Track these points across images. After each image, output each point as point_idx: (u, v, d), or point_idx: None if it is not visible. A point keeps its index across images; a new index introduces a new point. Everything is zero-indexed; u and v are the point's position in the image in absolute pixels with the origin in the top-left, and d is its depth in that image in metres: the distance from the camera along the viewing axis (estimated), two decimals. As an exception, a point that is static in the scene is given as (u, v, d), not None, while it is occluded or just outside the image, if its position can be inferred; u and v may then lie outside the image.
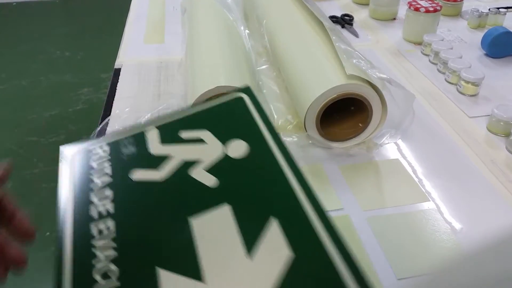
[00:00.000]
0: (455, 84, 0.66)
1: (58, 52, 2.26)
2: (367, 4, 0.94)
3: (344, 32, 0.85)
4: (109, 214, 0.28)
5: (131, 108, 0.61)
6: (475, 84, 0.63)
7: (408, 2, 0.80)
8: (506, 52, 0.74)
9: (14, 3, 2.92)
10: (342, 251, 0.24)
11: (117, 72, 0.71)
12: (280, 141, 0.32)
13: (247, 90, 0.37)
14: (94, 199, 0.30)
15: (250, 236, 0.26)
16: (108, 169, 0.32)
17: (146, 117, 0.57)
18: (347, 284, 0.23)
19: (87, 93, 1.87)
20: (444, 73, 0.69)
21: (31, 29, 2.55)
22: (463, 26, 0.88)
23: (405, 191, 0.48)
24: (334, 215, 0.45)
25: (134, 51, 0.78)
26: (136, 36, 0.84)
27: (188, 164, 0.31)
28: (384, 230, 0.43)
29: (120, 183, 0.31)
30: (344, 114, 0.54)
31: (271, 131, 0.33)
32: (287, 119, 0.57)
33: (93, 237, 0.27)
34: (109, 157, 0.33)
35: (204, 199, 0.29)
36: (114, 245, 0.27)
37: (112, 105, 0.62)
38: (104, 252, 0.26)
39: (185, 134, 0.34)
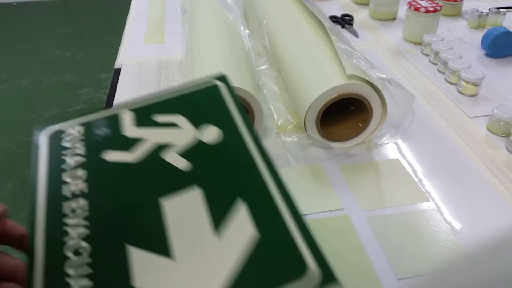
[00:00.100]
0: (455, 84, 0.66)
1: (58, 52, 2.26)
2: (367, 4, 0.94)
3: (344, 32, 0.85)
4: (82, 194, 0.29)
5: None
6: (475, 84, 0.63)
7: (408, 2, 0.80)
8: (506, 52, 0.74)
9: (14, 3, 2.92)
10: (303, 231, 0.26)
11: (117, 72, 0.71)
12: (251, 128, 0.33)
13: (222, 78, 0.38)
14: (67, 178, 0.30)
15: (219, 217, 0.27)
16: (81, 150, 0.33)
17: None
18: (306, 261, 0.25)
19: (87, 93, 1.87)
20: (444, 73, 0.69)
21: (31, 29, 2.55)
22: (463, 26, 0.88)
23: (405, 191, 0.48)
24: (334, 215, 0.45)
25: (134, 51, 0.78)
26: (136, 36, 0.84)
27: (161, 147, 0.32)
28: (384, 230, 0.43)
29: (93, 163, 0.32)
30: (344, 114, 0.54)
31: (244, 118, 0.34)
32: (287, 119, 0.57)
33: (65, 215, 0.28)
34: (82, 138, 0.34)
35: (176, 181, 0.30)
36: (86, 223, 0.28)
37: (112, 105, 0.62)
38: (76, 230, 0.27)
39: (159, 118, 0.35)
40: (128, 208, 0.29)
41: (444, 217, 0.44)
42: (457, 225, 0.43)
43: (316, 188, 0.48)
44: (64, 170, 0.31)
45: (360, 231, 0.43)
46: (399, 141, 0.55)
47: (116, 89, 0.66)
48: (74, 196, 0.29)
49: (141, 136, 0.33)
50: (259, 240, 0.26)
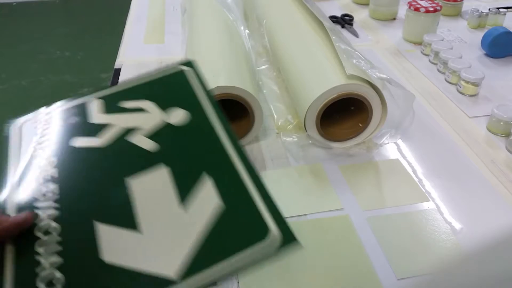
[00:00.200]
0: (455, 84, 0.66)
1: (58, 52, 2.26)
2: (367, 4, 0.94)
3: (344, 32, 0.85)
4: (52, 179, 0.31)
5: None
6: (475, 84, 0.63)
7: (408, 2, 0.80)
8: (506, 52, 0.74)
9: (14, 3, 2.92)
10: (266, 200, 0.28)
11: (117, 72, 0.71)
12: (217, 108, 0.34)
13: (189, 63, 0.39)
14: (38, 165, 0.32)
15: (185, 191, 0.29)
16: (50, 138, 0.34)
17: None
18: (268, 226, 0.26)
19: (87, 93, 1.86)
20: (444, 73, 0.69)
21: (31, 29, 2.55)
22: (463, 26, 0.88)
23: (405, 191, 0.48)
24: (334, 215, 0.45)
25: (134, 51, 0.78)
26: (136, 36, 0.84)
27: (128, 131, 0.34)
28: (384, 230, 0.43)
29: (61, 150, 0.33)
30: (344, 114, 0.54)
31: (211, 100, 0.35)
32: (287, 119, 0.57)
33: (36, 199, 0.30)
34: (51, 126, 0.35)
35: (142, 162, 0.31)
36: (57, 205, 0.29)
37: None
38: (46, 212, 0.29)
39: (126, 104, 0.36)
40: (96, 189, 0.30)
41: (444, 217, 0.44)
42: (457, 225, 0.43)
43: (316, 188, 0.48)
44: (35, 157, 0.33)
45: (360, 231, 0.43)
46: (399, 141, 0.55)
47: (116, 89, 0.66)
48: (45, 181, 0.31)
49: (109, 122, 0.35)
50: (224, 210, 0.27)
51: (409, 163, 0.52)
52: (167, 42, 0.81)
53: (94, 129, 0.34)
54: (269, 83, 0.66)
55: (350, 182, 0.49)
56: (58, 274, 0.26)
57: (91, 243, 0.27)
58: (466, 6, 0.93)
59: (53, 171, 0.32)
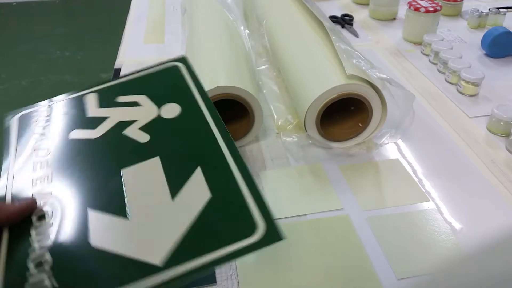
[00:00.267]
0: (455, 84, 0.66)
1: (58, 52, 2.26)
2: (367, 4, 0.94)
3: (344, 32, 0.85)
4: (47, 165, 0.32)
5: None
6: (475, 84, 0.63)
7: (408, 2, 0.80)
8: (506, 52, 0.74)
9: (14, 3, 2.92)
10: (255, 194, 0.28)
11: (117, 72, 0.71)
12: (209, 102, 0.35)
13: (182, 60, 0.41)
14: (34, 156, 0.34)
15: (175, 181, 0.29)
16: (47, 130, 0.36)
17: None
18: (256, 221, 0.27)
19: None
20: (444, 73, 0.69)
21: (31, 29, 2.55)
22: (463, 26, 0.88)
23: (405, 191, 0.48)
24: (334, 215, 0.45)
25: (134, 51, 0.78)
26: (136, 36, 0.84)
27: (123, 124, 0.35)
28: (384, 230, 0.43)
29: (58, 141, 0.34)
30: (344, 114, 0.54)
31: (203, 95, 0.36)
32: (287, 119, 0.57)
33: (33, 186, 0.31)
34: (49, 118, 0.37)
35: (136, 153, 0.32)
36: (50, 191, 0.31)
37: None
38: (41, 198, 0.30)
39: (122, 99, 0.37)
40: (89, 177, 0.31)
41: (444, 217, 0.44)
42: (457, 225, 0.43)
43: (316, 188, 0.48)
44: (33, 150, 0.34)
45: (360, 231, 0.43)
46: (399, 141, 0.55)
47: (116, 89, 0.66)
48: (41, 169, 0.32)
49: (104, 115, 0.36)
50: (213, 202, 0.28)
51: (409, 163, 0.52)
52: (167, 42, 0.81)
53: (90, 122, 0.36)
54: (269, 83, 0.66)
55: (350, 182, 0.49)
56: (47, 256, 0.27)
57: (81, 228, 0.28)
58: (466, 6, 0.93)
59: (49, 161, 0.33)
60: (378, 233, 0.42)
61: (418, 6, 0.78)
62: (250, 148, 0.54)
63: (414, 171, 0.50)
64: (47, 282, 0.25)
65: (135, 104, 0.37)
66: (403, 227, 0.43)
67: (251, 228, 0.26)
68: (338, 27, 0.87)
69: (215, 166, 0.30)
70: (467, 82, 0.63)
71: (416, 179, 0.49)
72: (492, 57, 0.75)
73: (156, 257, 0.26)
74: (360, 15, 0.93)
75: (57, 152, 0.34)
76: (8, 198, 0.31)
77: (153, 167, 0.31)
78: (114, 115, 0.36)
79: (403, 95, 0.51)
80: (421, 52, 0.77)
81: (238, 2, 0.73)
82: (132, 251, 0.26)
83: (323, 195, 0.47)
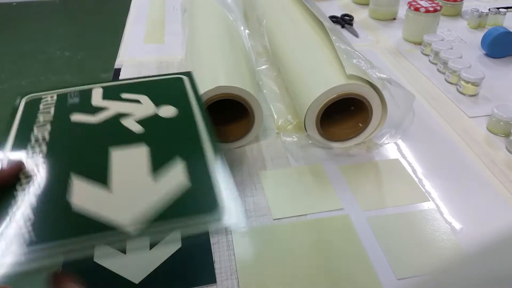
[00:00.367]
0: (455, 84, 0.66)
1: (58, 52, 2.26)
2: (367, 4, 0.94)
3: (344, 32, 0.85)
4: (43, 140, 0.36)
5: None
6: (475, 84, 0.63)
7: (408, 2, 0.80)
8: (506, 52, 0.74)
9: (14, 3, 2.92)
10: (228, 190, 0.31)
11: (117, 72, 0.71)
12: (204, 111, 0.39)
13: (188, 74, 0.45)
14: (35, 130, 0.37)
15: (158, 168, 0.33)
16: (51, 111, 0.39)
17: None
18: (219, 204, 0.30)
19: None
20: (444, 73, 0.69)
21: (31, 29, 2.55)
22: (463, 26, 0.88)
23: (405, 191, 0.48)
24: (334, 215, 0.45)
25: (134, 51, 0.78)
26: (136, 36, 0.84)
27: (121, 115, 0.38)
28: (384, 230, 0.43)
29: (59, 121, 0.38)
30: (344, 114, 0.54)
31: (200, 104, 0.40)
32: (287, 119, 0.57)
33: (26, 154, 0.34)
34: (55, 103, 0.40)
35: (127, 138, 0.36)
36: (42, 160, 0.34)
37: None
38: (32, 160, 0.33)
39: (125, 95, 0.41)
40: (80, 151, 0.35)
41: (444, 217, 0.44)
42: (457, 225, 0.43)
43: (316, 188, 0.48)
44: (34, 123, 0.38)
45: (360, 231, 0.43)
46: (399, 141, 0.55)
47: (116, 89, 0.66)
48: (37, 140, 0.36)
49: (106, 106, 0.40)
50: (188, 188, 0.31)
51: (409, 163, 0.52)
52: (167, 42, 0.82)
53: (92, 109, 0.39)
54: (269, 83, 0.66)
55: (350, 182, 0.49)
56: (28, 211, 0.29)
57: (63, 189, 0.31)
58: (466, 6, 0.93)
59: (45, 134, 0.36)
60: (378, 233, 0.42)
61: (418, 6, 0.78)
62: (250, 148, 0.54)
63: (414, 171, 0.50)
64: (26, 235, 0.28)
65: (136, 101, 0.40)
66: (403, 227, 0.43)
67: (212, 207, 0.29)
68: (338, 27, 0.87)
69: (196, 161, 0.33)
70: (467, 82, 0.63)
71: (416, 179, 0.49)
72: (492, 57, 0.75)
73: (127, 222, 0.28)
74: (360, 15, 0.93)
75: (56, 129, 0.37)
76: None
77: (139, 152, 0.34)
78: (115, 107, 0.39)
79: (403, 95, 0.51)
80: (421, 52, 0.77)
81: (238, 2, 0.73)
82: (106, 214, 0.29)
83: (323, 195, 0.47)
